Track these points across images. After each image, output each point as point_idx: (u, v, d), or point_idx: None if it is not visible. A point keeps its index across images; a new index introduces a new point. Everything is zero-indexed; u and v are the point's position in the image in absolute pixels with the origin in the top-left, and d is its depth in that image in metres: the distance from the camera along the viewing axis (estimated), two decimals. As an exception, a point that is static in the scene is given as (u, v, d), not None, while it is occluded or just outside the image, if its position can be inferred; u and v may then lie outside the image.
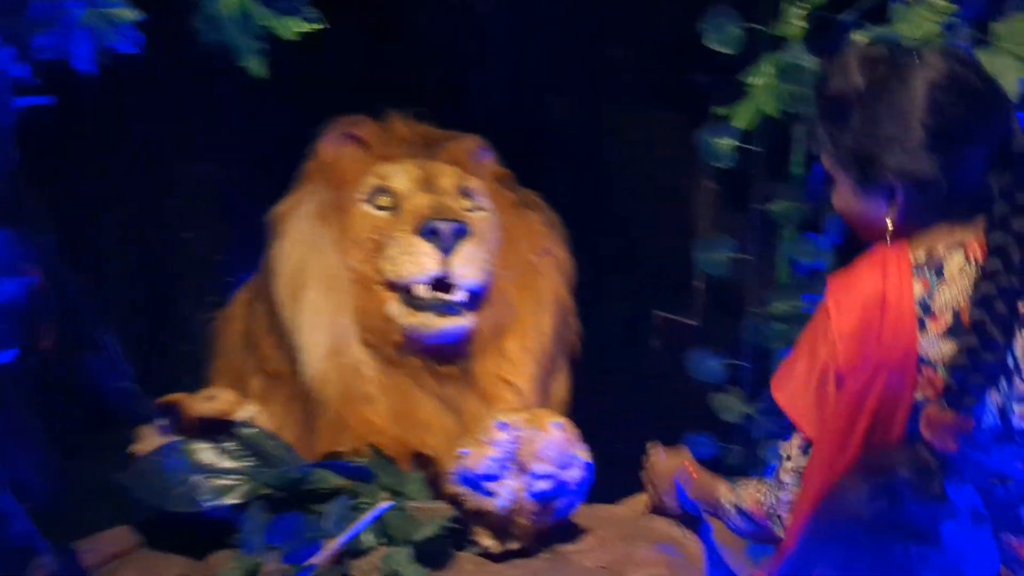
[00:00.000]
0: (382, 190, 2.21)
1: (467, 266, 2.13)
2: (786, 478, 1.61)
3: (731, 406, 2.11)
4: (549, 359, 2.30)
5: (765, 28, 2.00)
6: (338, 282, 2.16)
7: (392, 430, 2.10)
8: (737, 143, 2.05)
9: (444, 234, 2.12)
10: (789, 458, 1.62)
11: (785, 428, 2.05)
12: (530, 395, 2.23)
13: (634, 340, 2.53)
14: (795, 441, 1.61)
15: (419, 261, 2.11)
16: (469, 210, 2.23)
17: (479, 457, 1.85)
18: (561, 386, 2.39)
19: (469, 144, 2.35)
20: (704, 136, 2.06)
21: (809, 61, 2.01)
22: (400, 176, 2.22)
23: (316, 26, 1.40)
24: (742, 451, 2.14)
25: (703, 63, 2.13)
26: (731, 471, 2.17)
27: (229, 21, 1.32)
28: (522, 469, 1.87)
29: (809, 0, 2.01)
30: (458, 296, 2.15)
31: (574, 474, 1.90)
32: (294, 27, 1.34)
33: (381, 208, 2.20)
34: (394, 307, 2.15)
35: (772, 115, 2.04)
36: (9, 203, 1.53)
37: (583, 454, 1.92)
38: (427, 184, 2.21)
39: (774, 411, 2.08)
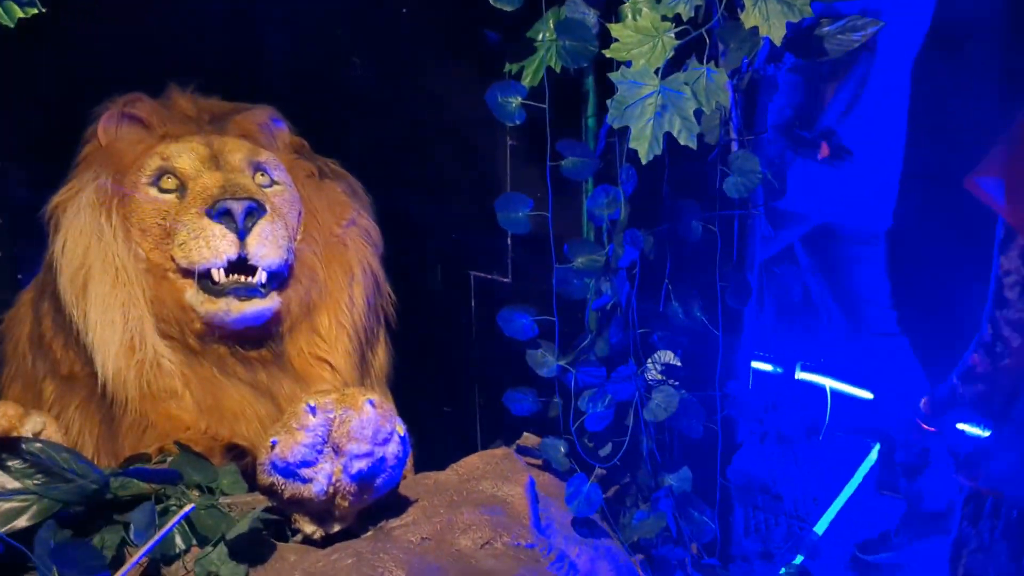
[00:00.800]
0: (166, 171, 2.11)
1: (265, 245, 2.06)
2: (1010, 294, 1.44)
3: (545, 361, 2.13)
4: (364, 332, 2.26)
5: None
6: (126, 273, 2.05)
7: (200, 424, 2.03)
8: (522, 100, 2.04)
9: (237, 213, 2.03)
10: (1008, 273, 1.45)
11: (598, 378, 2.10)
12: (347, 371, 2.20)
13: (453, 302, 2.52)
14: (1014, 253, 1.41)
15: (212, 245, 2.03)
16: (264, 185, 2.15)
17: (291, 444, 1.80)
18: (381, 357, 2.37)
19: (259, 115, 2.26)
20: (494, 94, 2.04)
21: (590, 14, 2.02)
22: (185, 155, 2.11)
23: (32, 11, 1.29)
24: (560, 403, 2.17)
25: (496, 20, 2.10)
26: (553, 424, 2.21)
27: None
28: (337, 451, 1.83)
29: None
30: (259, 278, 2.08)
31: (392, 449, 1.88)
32: (14, 13, 1.23)
33: (166, 191, 2.10)
34: (191, 295, 2.07)
35: (556, 70, 2.03)
36: None
37: (400, 428, 1.90)
38: (215, 161, 2.12)
39: (588, 363, 2.13)
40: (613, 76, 1.87)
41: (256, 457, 1.93)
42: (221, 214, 2.04)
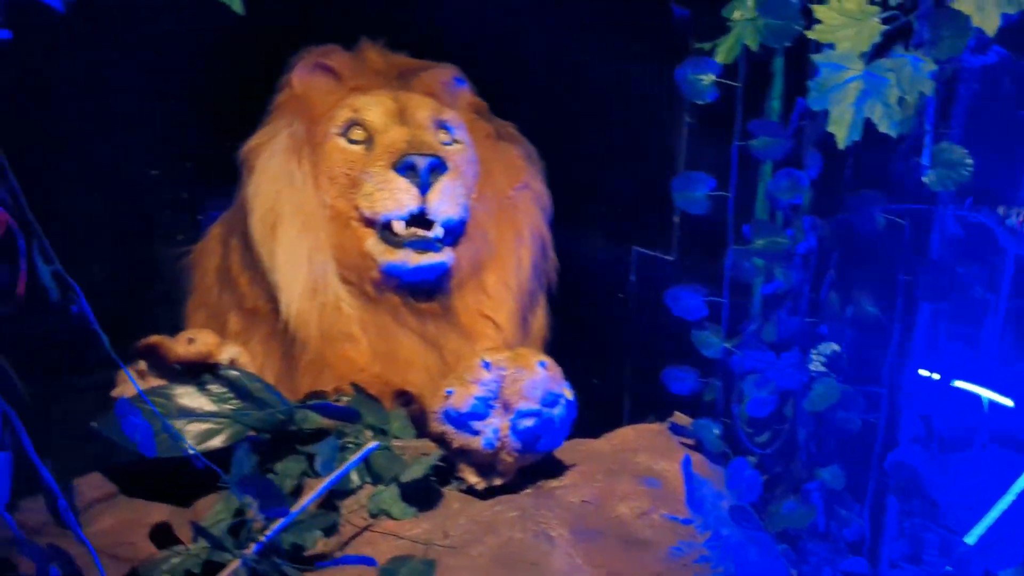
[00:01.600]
0: (356, 123, 2.17)
1: (445, 201, 2.11)
2: None
3: (711, 342, 2.12)
4: (528, 293, 2.31)
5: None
6: (314, 219, 2.13)
7: (373, 368, 2.10)
8: (716, 78, 2.02)
9: (420, 169, 2.09)
10: None
11: (764, 363, 2.08)
12: (510, 330, 2.25)
13: (613, 275, 2.53)
14: None
15: (396, 197, 2.09)
16: (445, 143, 2.20)
17: (464, 396, 1.85)
18: (540, 320, 2.40)
19: (443, 74, 2.30)
20: (685, 71, 2.03)
21: (791, -8, 1.98)
22: (374, 108, 2.17)
23: None
24: (721, 386, 2.17)
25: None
26: (705, 406, 2.20)
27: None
28: (507, 407, 1.88)
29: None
30: (436, 232, 2.13)
31: (558, 412, 1.91)
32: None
33: (355, 142, 2.16)
34: (372, 244, 2.13)
35: (753, 49, 2.01)
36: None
37: (567, 392, 1.93)
38: (402, 117, 2.17)
39: (754, 347, 2.11)
40: (816, 57, 1.84)
41: (424, 405, 2.00)
42: (406, 168, 2.09)
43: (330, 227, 2.14)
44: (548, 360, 1.93)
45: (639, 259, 2.53)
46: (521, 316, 2.29)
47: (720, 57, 2.06)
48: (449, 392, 1.87)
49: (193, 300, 2.30)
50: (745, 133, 2.04)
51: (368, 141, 2.16)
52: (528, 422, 1.89)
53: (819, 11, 1.87)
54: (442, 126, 2.22)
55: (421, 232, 2.13)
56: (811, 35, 1.88)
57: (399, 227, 2.13)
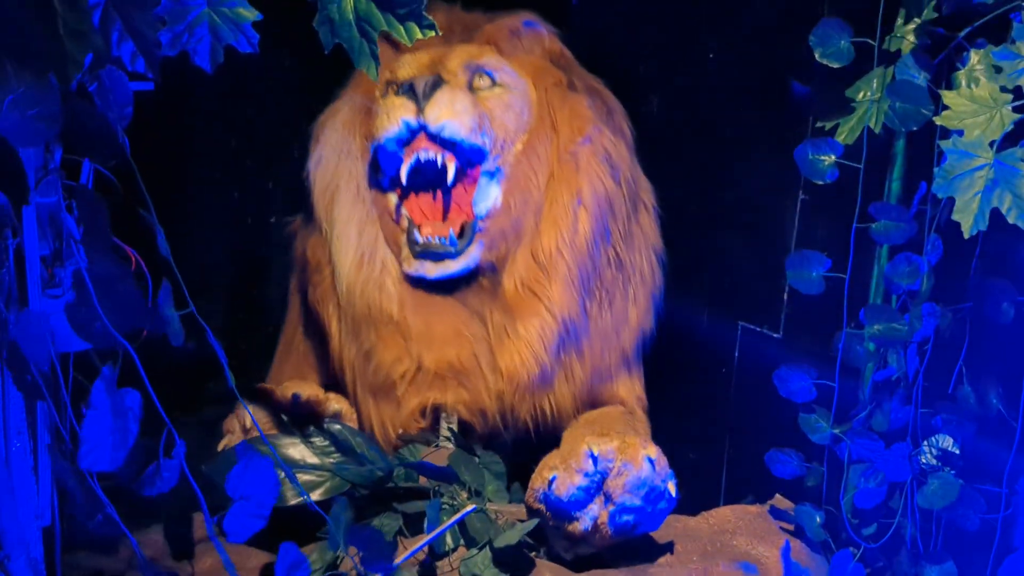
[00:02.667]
0: (391, 83, 2.06)
1: (445, 109, 1.95)
2: None
3: (818, 426, 2.06)
4: (589, 263, 2.07)
5: (872, 41, 1.94)
6: (364, 190, 2.08)
7: (412, 351, 2.04)
8: (837, 158, 1.99)
9: (419, 85, 1.96)
10: None
11: (874, 453, 2.01)
12: (562, 308, 2.06)
13: (717, 349, 2.49)
14: None
15: (392, 115, 1.97)
16: (482, 88, 2.04)
17: (567, 484, 1.81)
18: (634, 321, 2.21)
19: (511, 21, 2.16)
20: (805, 150, 2.00)
21: (920, 77, 1.95)
22: (408, 65, 2.06)
23: (431, 33, 1.39)
24: (826, 473, 2.09)
25: (806, 73, 2.08)
26: (813, 493, 2.13)
27: (348, 24, 1.32)
28: (608, 498, 1.84)
29: (922, 14, 1.94)
30: (449, 231, 2.02)
31: (661, 506, 1.87)
32: (413, 33, 1.34)
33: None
34: (402, 240, 2.08)
35: (876, 131, 1.98)
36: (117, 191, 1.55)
37: (672, 488, 1.87)
38: (432, 68, 2.05)
39: (864, 435, 2.04)
40: (944, 144, 1.80)
41: (471, 421, 2.01)
42: (404, 89, 1.99)
43: (375, 198, 2.09)
44: (656, 453, 1.85)
45: (744, 334, 2.48)
46: (580, 291, 2.07)
47: (842, 138, 2.03)
48: (553, 478, 1.81)
49: (294, 281, 2.30)
50: (864, 214, 2.00)
51: None
52: (628, 516, 1.85)
53: (948, 97, 1.83)
54: (478, 71, 2.05)
55: (435, 240, 2.02)
56: (940, 121, 1.84)
57: (413, 233, 2.03)
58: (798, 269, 2.08)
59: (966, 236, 1.79)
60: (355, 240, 2.05)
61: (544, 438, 2.13)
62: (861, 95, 2.01)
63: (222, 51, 1.34)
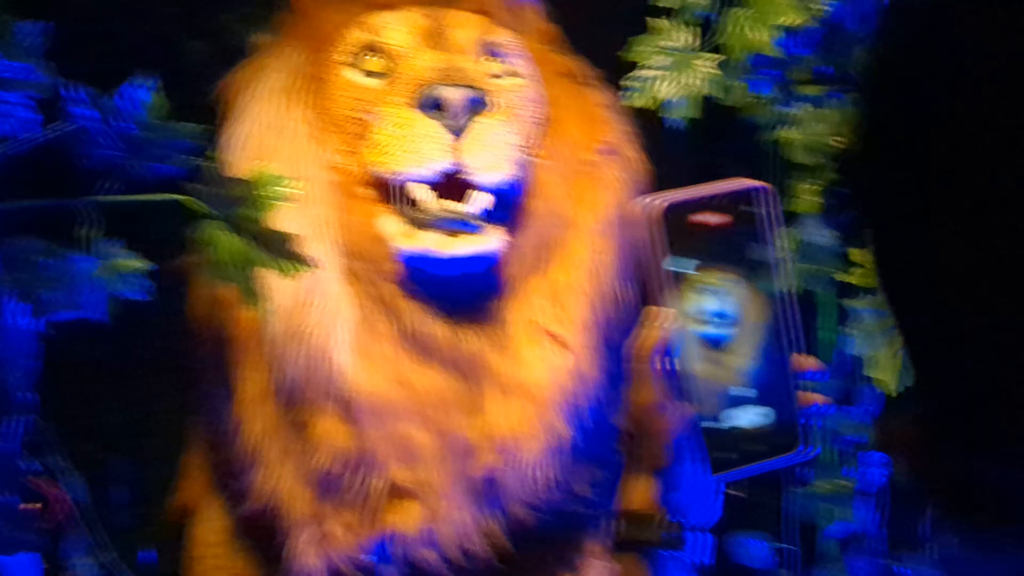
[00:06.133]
0: (371, 48, 1.56)
1: (488, 152, 1.48)
2: None
3: (781, 593, 2.01)
4: (612, 306, 1.60)
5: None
6: (311, 186, 1.50)
7: (371, 418, 1.50)
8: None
9: (454, 106, 1.46)
10: None
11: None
12: (580, 355, 1.57)
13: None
14: None
15: (417, 147, 1.46)
16: (496, 75, 1.58)
17: None
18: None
19: None
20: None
21: (826, 237, 1.99)
22: (397, 28, 1.56)
23: (310, 267, 1.40)
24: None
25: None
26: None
27: (229, 266, 1.35)
28: None
29: (821, 176, 2.00)
30: (476, 204, 1.50)
31: None
32: (292, 269, 1.36)
33: (370, 74, 1.55)
34: (386, 224, 1.51)
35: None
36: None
37: None
38: (435, 39, 1.56)
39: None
40: (851, 303, 1.82)
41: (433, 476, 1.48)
42: (433, 105, 1.47)
43: (332, 197, 1.52)
44: None
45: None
46: (600, 337, 1.58)
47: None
48: None
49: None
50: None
51: (387, 73, 1.54)
52: None
53: (854, 254, 1.87)
54: (492, 51, 1.59)
55: (454, 207, 1.49)
56: (851, 279, 1.87)
57: (423, 195, 1.48)
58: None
59: (891, 395, 1.79)
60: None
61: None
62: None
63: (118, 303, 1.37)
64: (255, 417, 1.53)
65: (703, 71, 1.88)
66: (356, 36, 1.57)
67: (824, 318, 2.09)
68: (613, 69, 1.75)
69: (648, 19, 1.87)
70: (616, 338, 1.58)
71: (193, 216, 1.34)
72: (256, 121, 1.55)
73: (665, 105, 1.86)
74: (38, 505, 1.63)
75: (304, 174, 1.51)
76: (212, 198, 1.33)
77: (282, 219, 1.40)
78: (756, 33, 1.87)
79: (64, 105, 1.37)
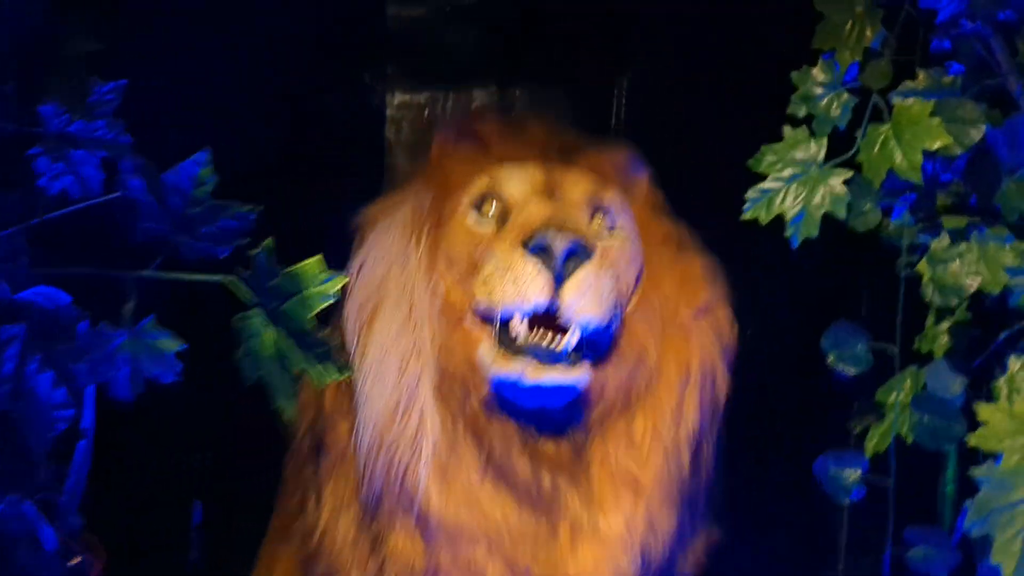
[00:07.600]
0: (490, 195, 1.73)
1: (585, 298, 1.60)
2: None
3: None
4: (688, 458, 1.71)
5: (893, 346, 1.77)
6: (420, 311, 1.67)
7: (444, 540, 1.63)
8: (863, 473, 1.78)
9: (558, 253, 1.60)
10: None
11: None
12: (654, 500, 1.66)
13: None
14: None
15: (521, 284, 1.60)
16: (601, 230, 1.74)
17: None
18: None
19: (617, 154, 1.83)
20: (824, 462, 1.80)
21: (956, 383, 1.75)
22: (516, 179, 1.73)
23: (346, 374, 1.33)
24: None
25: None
26: None
27: (268, 360, 1.26)
28: None
29: (954, 316, 1.77)
30: (569, 341, 1.62)
31: None
32: (327, 376, 1.28)
33: (487, 218, 1.72)
34: (485, 349, 1.64)
35: (907, 442, 1.77)
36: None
37: None
38: (549, 191, 1.72)
39: None
40: (976, 473, 1.57)
41: None
42: (539, 249, 1.61)
43: (439, 323, 1.66)
44: None
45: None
46: (673, 488, 1.69)
47: (870, 444, 1.82)
48: None
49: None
50: (898, 537, 1.76)
51: (502, 219, 1.71)
52: None
53: (984, 411, 1.62)
54: (601, 208, 1.74)
55: (549, 337, 1.61)
56: (973, 441, 1.61)
57: (518, 325, 1.60)
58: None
59: (1008, 583, 1.53)
60: (393, 376, 1.66)
61: None
62: (892, 398, 1.81)
63: (143, 382, 1.29)
64: (338, 524, 1.69)
65: (830, 186, 1.70)
66: (479, 183, 1.75)
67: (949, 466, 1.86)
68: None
69: (785, 127, 1.73)
70: (690, 493, 1.69)
71: (236, 302, 1.30)
72: (382, 248, 1.74)
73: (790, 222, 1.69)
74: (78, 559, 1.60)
75: (414, 300, 1.69)
76: (259, 287, 1.27)
77: (384, 336, 1.62)
78: (903, 154, 1.67)
79: (121, 176, 1.30)
